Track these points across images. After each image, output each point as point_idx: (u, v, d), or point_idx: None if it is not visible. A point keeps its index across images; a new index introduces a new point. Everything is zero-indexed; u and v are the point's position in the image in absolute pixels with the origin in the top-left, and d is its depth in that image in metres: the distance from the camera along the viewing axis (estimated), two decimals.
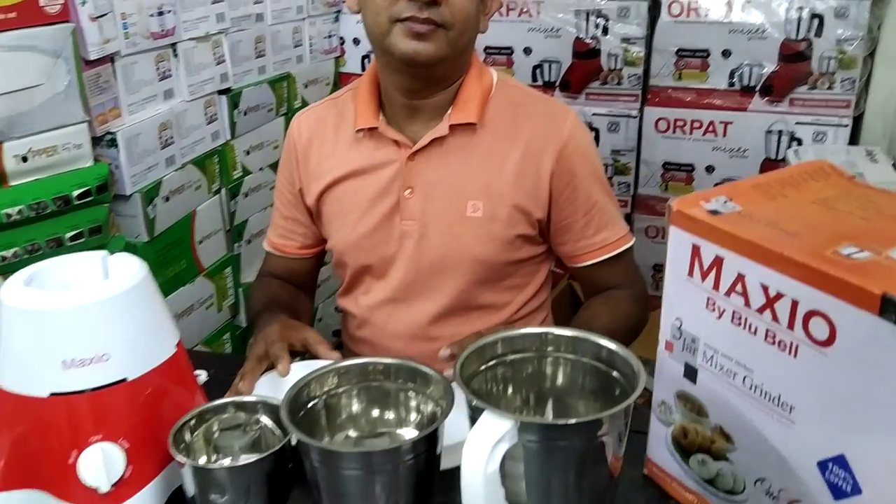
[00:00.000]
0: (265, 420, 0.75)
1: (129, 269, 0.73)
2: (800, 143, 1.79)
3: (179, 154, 1.54)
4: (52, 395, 0.67)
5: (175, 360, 0.74)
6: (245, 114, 1.73)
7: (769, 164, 1.83)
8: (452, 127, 1.08)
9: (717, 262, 0.66)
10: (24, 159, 1.19)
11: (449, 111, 1.09)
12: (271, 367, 0.96)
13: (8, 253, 1.19)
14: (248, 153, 1.77)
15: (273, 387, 0.92)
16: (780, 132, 1.81)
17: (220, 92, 1.65)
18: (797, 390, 0.61)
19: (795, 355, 0.61)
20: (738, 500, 0.70)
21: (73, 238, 1.27)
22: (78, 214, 1.27)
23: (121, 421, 0.69)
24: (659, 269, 1.96)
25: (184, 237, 1.58)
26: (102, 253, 0.76)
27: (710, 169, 1.89)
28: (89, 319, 0.67)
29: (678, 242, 0.69)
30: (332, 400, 0.74)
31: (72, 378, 0.67)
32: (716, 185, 1.84)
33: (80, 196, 1.26)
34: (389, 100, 1.11)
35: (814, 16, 1.70)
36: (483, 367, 0.71)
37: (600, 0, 1.82)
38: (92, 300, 0.67)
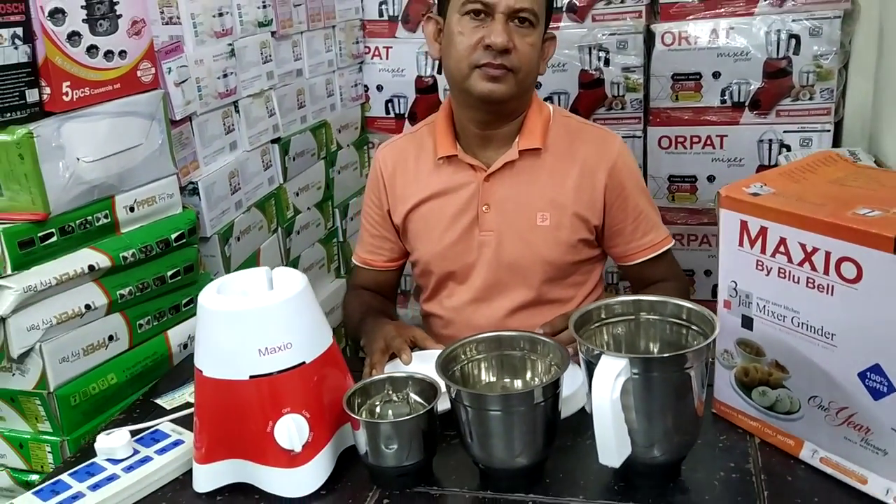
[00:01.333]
0: (413, 395, 0.94)
1: (293, 279, 0.91)
2: (789, 149, 2.00)
3: (245, 198, 1.72)
4: (252, 377, 0.84)
5: (333, 347, 0.92)
6: (294, 159, 1.92)
7: (763, 170, 2.03)
8: (521, 152, 1.30)
9: (763, 232, 0.85)
10: (132, 209, 1.36)
11: (517, 139, 1.31)
12: (391, 358, 1.15)
13: (125, 291, 1.35)
14: (297, 194, 1.96)
15: None
16: (770, 141, 2.02)
17: (273, 141, 1.84)
18: (836, 321, 0.81)
19: (832, 294, 0.80)
20: (796, 418, 0.88)
21: (172, 276, 1.43)
22: (175, 255, 1.43)
23: (302, 396, 0.87)
24: None
25: None
26: (265, 268, 0.94)
27: (711, 178, 2.09)
28: (278, 316, 0.85)
29: (728, 220, 0.89)
30: (470, 365, 0.93)
31: (266, 363, 0.85)
32: (717, 192, 2.07)
33: (177, 239, 1.43)
34: (464, 131, 1.33)
35: (791, 36, 1.92)
36: (591, 328, 0.89)
37: (601, 35, 2.04)
38: (279, 300, 0.85)
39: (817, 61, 1.92)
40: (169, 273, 1.42)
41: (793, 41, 1.92)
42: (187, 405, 1.13)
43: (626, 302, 0.91)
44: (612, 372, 0.76)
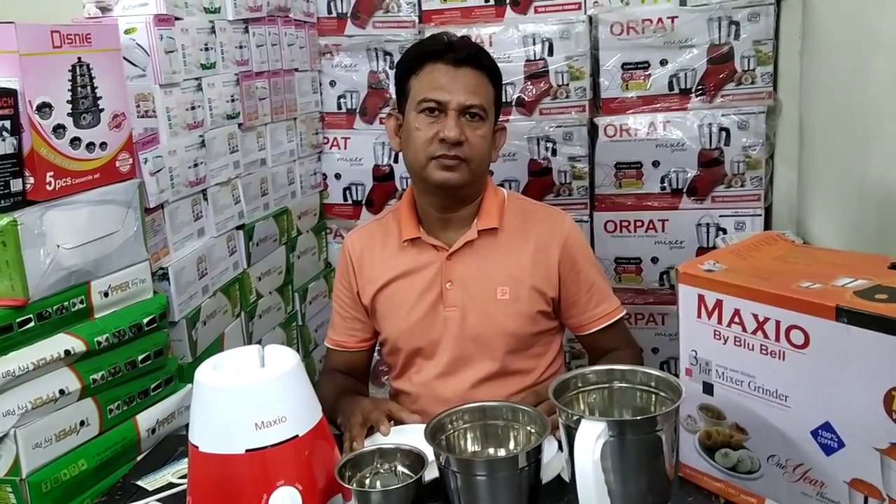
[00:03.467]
0: (400, 467, 0.98)
1: (284, 356, 0.95)
2: (725, 231, 2.14)
3: (211, 283, 1.75)
4: (248, 451, 0.88)
5: (322, 421, 0.96)
6: (257, 245, 1.97)
7: (703, 252, 2.16)
8: (480, 232, 1.39)
9: (718, 304, 0.94)
10: (106, 294, 1.38)
11: (475, 220, 1.41)
12: (369, 432, 1.19)
13: (97, 376, 1.36)
14: (260, 279, 2.00)
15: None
16: (707, 224, 2.16)
17: (238, 227, 1.89)
18: (788, 383, 0.89)
19: (784, 359, 0.89)
20: (757, 477, 0.96)
21: (143, 360, 1.44)
22: (146, 340, 1.44)
23: (295, 468, 0.90)
24: None
25: None
26: (257, 347, 0.98)
27: (654, 260, 2.21)
28: (273, 390, 0.89)
29: (687, 294, 0.98)
30: (456, 434, 0.98)
31: (262, 436, 0.88)
32: (661, 273, 2.19)
33: (148, 323, 1.45)
34: (426, 215, 1.42)
35: (721, 129, 2.09)
36: (568, 395, 0.96)
37: (548, 128, 2.17)
38: (274, 375, 0.89)
39: (746, 152, 2.08)
40: (140, 357, 1.42)
41: (723, 133, 2.08)
42: (170, 485, 1.14)
43: (600, 371, 0.99)
44: (593, 434, 0.83)
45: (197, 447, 0.90)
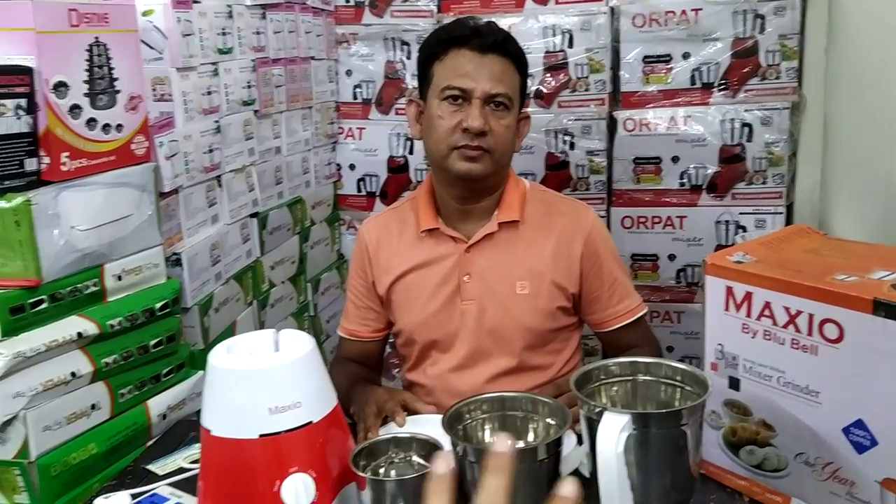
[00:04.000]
0: (416, 457, 0.95)
1: (299, 340, 0.93)
2: (745, 229, 2.11)
3: (224, 270, 1.74)
4: (262, 436, 0.86)
5: (337, 408, 0.94)
6: (271, 233, 1.95)
7: (721, 250, 2.12)
8: (500, 224, 1.36)
9: (748, 297, 0.92)
10: (119, 278, 1.37)
11: (496, 212, 1.37)
12: (384, 422, 1.16)
13: (109, 359, 1.34)
14: (273, 268, 1.98)
15: None
16: (727, 222, 2.12)
17: (252, 215, 1.88)
18: (820, 378, 0.86)
19: (816, 354, 0.86)
20: (783, 475, 0.93)
21: (155, 345, 1.42)
22: (158, 325, 1.43)
23: (309, 455, 0.88)
24: None
25: None
26: (272, 331, 0.96)
27: (671, 257, 2.18)
28: (288, 375, 0.87)
29: (714, 286, 0.95)
30: (474, 424, 0.96)
31: (276, 422, 0.86)
32: (678, 271, 2.16)
33: (161, 308, 1.44)
34: (445, 206, 1.39)
35: (744, 125, 2.05)
36: (590, 387, 0.94)
37: (566, 121, 2.15)
38: (289, 360, 0.87)
39: (769, 148, 2.05)
40: (152, 342, 1.41)
41: (746, 129, 2.05)
42: (181, 470, 1.12)
43: (623, 363, 0.96)
44: (616, 427, 0.80)
45: (209, 431, 0.88)
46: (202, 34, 1.61)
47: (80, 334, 1.23)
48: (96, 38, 1.28)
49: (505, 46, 1.36)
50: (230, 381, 0.87)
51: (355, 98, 2.32)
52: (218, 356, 0.89)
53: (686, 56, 2.06)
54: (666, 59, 2.07)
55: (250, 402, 0.86)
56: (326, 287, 2.30)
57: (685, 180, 2.12)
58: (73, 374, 1.22)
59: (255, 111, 1.86)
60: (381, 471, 0.95)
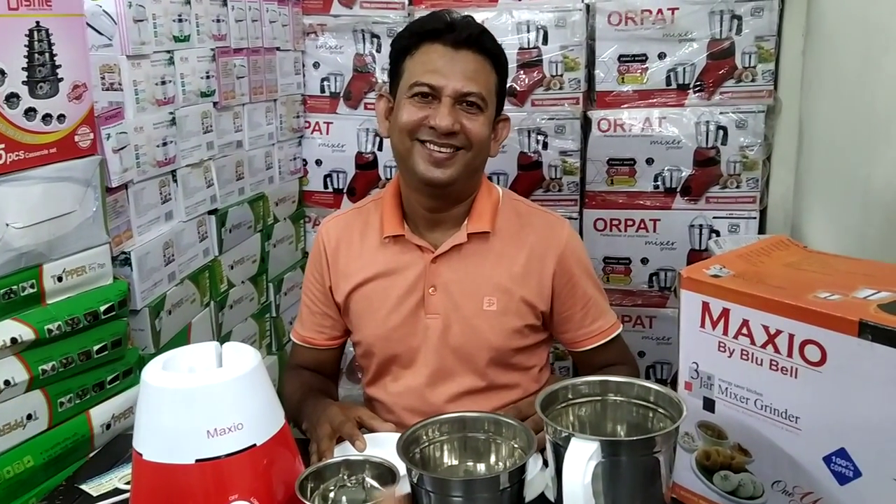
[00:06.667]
0: (369, 480, 0.89)
1: (244, 355, 0.86)
2: (718, 234, 2.07)
3: (178, 270, 1.66)
4: (198, 461, 0.78)
5: (285, 429, 0.87)
6: (230, 231, 1.87)
7: (695, 254, 2.09)
8: (470, 235, 1.28)
9: (725, 313, 0.86)
10: (60, 279, 1.29)
11: (466, 222, 1.29)
12: (338, 442, 1.09)
13: (47, 366, 1.26)
14: (232, 267, 1.90)
15: None
16: (700, 226, 2.08)
17: (210, 212, 1.79)
18: (800, 404, 0.81)
19: (796, 377, 0.81)
20: (759, 503, 0.87)
21: (99, 351, 1.34)
22: (103, 328, 1.35)
23: (251, 481, 0.81)
24: None
25: None
26: (214, 344, 0.89)
27: (644, 261, 2.13)
28: (229, 394, 0.79)
29: (690, 301, 0.89)
30: (432, 447, 0.89)
31: (214, 445, 0.79)
32: (650, 275, 2.11)
33: (106, 311, 1.36)
34: (412, 211, 1.31)
35: (719, 127, 2.01)
36: (557, 408, 0.87)
37: (539, 119, 2.09)
38: (230, 377, 0.80)
39: (743, 152, 2.01)
40: (95, 348, 1.33)
41: (720, 132, 2.01)
42: (116, 491, 1.04)
43: (592, 382, 0.90)
44: (584, 455, 0.74)
45: (141, 455, 0.80)
46: (156, 20, 1.53)
47: (14, 340, 1.16)
48: (37, 22, 1.19)
49: (480, 42, 1.27)
50: (164, 401, 0.79)
51: (323, 91, 2.24)
52: (151, 373, 0.81)
53: (662, 56, 2.01)
54: (641, 58, 2.02)
55: (186, 423, 0.79)
56: (290, 287, 2.22)
57: (659, 183, 2.08)
58: (6, 383, 1.15)
59: (215, 103, 1.78)
60: (331, 495, 0.88)
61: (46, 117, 1.22)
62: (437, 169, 1.22)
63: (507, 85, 2.03)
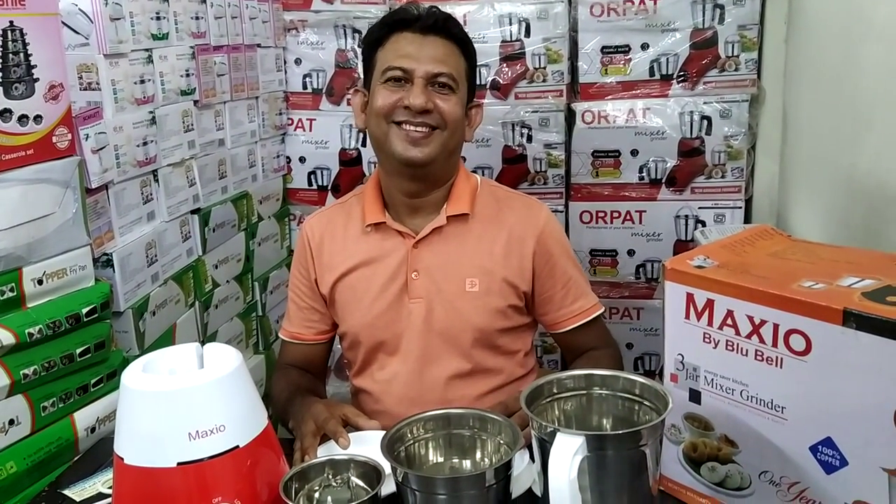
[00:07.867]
0: (354, 479, 0.88)
1: (226, 355, 0.85)
2: (704, 224, 2.07)
3: (161, 271, 1.64)
4: (180, 464, 0.77)
5: (268, 429, 0.86)
6: (214, 230, 1.85)
7: (681, 245, 2.09)
8: (449, 218, 1.29)
9: (709, 304, 0.85)
10: (40, 282, 1.27)
11: (445, 205, 1.30)
12: (323, 440, 1.08)
13: (28, 371, 1.24)
14: (216, 267, 1.88)
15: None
16: (686, 216, 2.08)
17: (192, 212, 1.78)
18: (786, 394, 0.81)
19: (781, 367, 0.80)
20: (746, 494, 0.87)
21: (82, 354, 1.33)
22: (85, 331, 1.33)
23: (235, 483, 0.80)
24: None
25: None
26: (195, 345, 0.87)
27: (631, 252, 2.13)
28: (210, 395, 0.78)
29: (674, 293, 0.89)
30: (417, 445, 0.88)
31: (196, 448, 0.78)
32: (637, 267, 2.11)
33: (88, 314, 1.34)
34: (392, 199, 1.32)
35: (703, 117, 2.01)
36: (542, 403, 0.87)
37: (523, 112, 2.08)
38: (211, 379, 0.79)
39: (728, 142, 2.01)
40: (78, 351, 1.32)
41: (705, 122, 2.01)
42: (100, 496, 1.03)
43: (577, 376, 0.89)
44: (569, 450, 0.74)
45: (122, 459, 0.79)
46: (133, 18, 1.50)
47: None
48: (11, 21, 1.17)
49: (447, 28, 1.32)
50: (144, 404, 0.78)
51: (305, 88, 2.23)
52: (131, 375, 0.80)
53: (645, 47, 2.00)
54: (625, 49, 2.01)
55: (167, 426, 0.77)
56: (276, 285, 2.20)
57: (644, 174, 2.07)
58: None
59: (196, 101, 1.76)
60: (316, 496, 0.88)
61: (23, 118, 1.20)
62: (414, 148, 1.25)
63: (491, 78, 2.05)
